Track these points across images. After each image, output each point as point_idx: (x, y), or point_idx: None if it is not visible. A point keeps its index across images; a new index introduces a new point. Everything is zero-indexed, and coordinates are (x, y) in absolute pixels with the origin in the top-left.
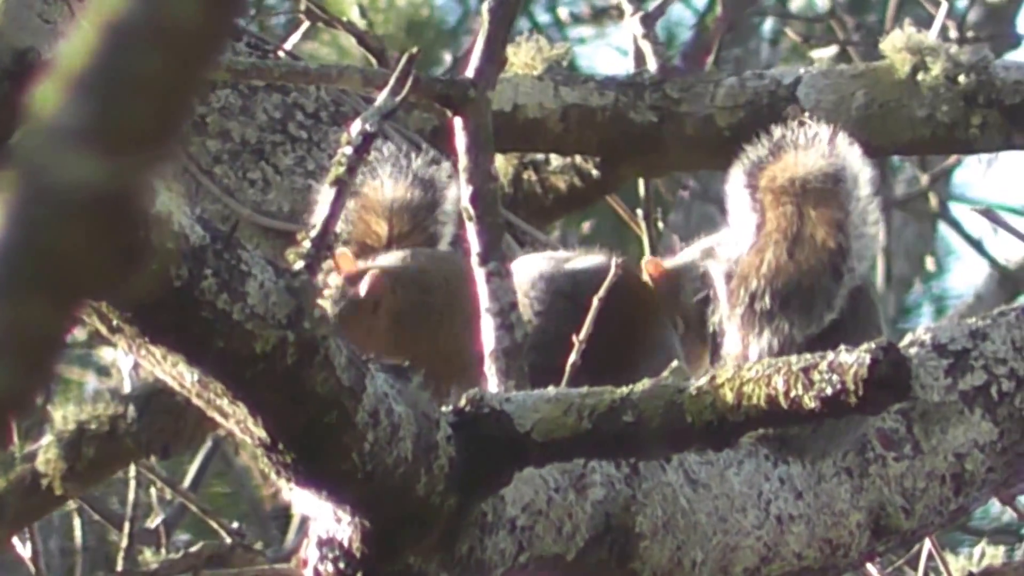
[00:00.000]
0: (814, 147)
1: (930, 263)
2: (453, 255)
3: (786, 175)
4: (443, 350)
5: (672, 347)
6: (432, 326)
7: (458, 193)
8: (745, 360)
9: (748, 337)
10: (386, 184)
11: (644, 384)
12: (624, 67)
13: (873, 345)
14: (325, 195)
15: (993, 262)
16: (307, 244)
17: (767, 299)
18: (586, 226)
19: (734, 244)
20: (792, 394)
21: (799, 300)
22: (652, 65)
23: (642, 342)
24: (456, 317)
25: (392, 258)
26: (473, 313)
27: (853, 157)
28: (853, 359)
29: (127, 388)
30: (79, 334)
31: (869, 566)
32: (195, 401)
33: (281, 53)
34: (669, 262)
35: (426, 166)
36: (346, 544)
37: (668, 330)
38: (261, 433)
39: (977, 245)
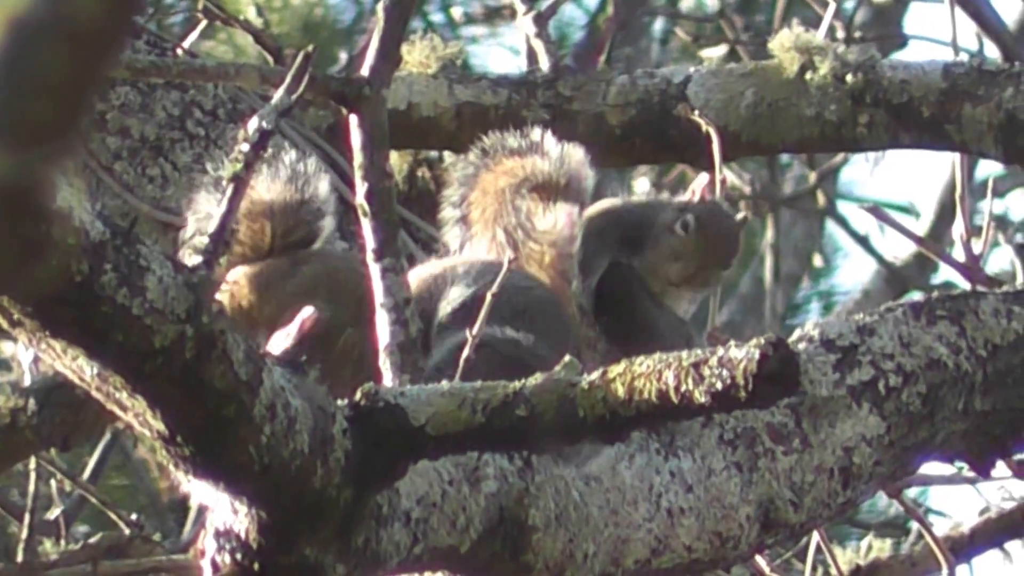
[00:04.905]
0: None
1: (818, 260)
2: (335, 253)
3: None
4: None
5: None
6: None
7: (331, 186)
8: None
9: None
10: (262, 185)
11: (537, 378)
12: (517, 66)
13: (763, 340)
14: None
15: (880, 259)
16: (204, 240)
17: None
18: None
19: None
20: (682, 389)
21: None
22: (545, 64)
23: None
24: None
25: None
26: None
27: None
28: (743, 354)
29: (27, 381)
30: None
31: (758, 558)
32: (94, 394)
33: (179, 51)
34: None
35: (296, 162)
36: (243, 535)
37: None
38: (160, 426)
39: (864, 242)
